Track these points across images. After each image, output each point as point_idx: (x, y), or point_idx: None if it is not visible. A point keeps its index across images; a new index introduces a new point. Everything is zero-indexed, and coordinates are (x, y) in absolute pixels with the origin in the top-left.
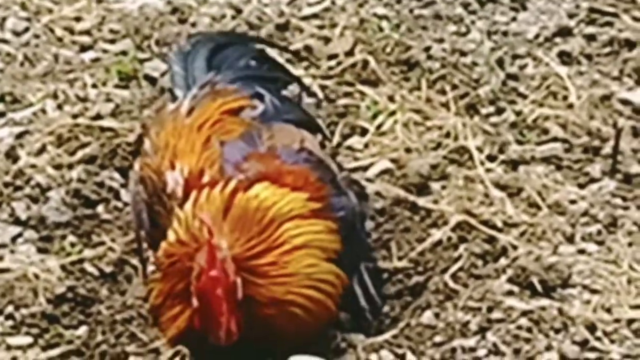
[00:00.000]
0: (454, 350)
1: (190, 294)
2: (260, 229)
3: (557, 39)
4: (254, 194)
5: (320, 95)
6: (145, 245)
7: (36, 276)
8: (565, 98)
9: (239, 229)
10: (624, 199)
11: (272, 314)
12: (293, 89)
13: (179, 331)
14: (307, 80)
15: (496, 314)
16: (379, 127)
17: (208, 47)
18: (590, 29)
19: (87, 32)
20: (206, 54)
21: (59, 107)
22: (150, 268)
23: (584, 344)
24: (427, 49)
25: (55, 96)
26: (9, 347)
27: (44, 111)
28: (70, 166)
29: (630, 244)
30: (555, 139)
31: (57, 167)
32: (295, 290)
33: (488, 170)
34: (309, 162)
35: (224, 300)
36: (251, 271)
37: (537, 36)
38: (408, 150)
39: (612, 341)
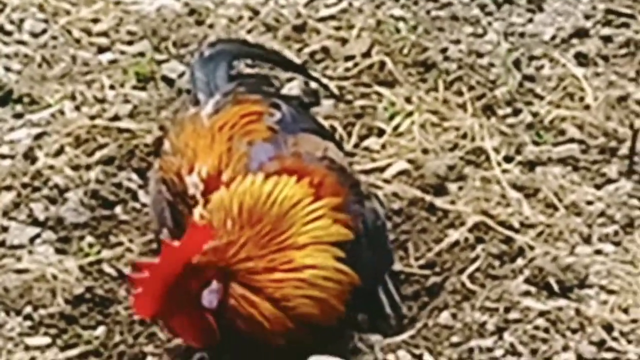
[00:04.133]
0: (471, 350)
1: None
2: (269, 228)
3: (574, 40)
4: (269, 187)
5: (336, 91)
6: None
7: (54, 277)
8: (581, 99)
9: (249, 224)
10: None
11: (267, 314)
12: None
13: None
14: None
15: (513, 315)
16: (396, 128)
17: (229, 57)
18: (607, 30)
19: (105, 34)
20: (227, 64)
21: (77, 108)
22: None
23: (601, 345)
24: (444, 50)
25: (73, 97)
26: (27, 348)
27: (61, 112)
28: (88, 167)
29: None
30: (571, 140)
31: (75, 168)
32: (296, 292)
33: (505, 171)
34: (330, 169)
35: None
36: (250, 275)
37: (553, 37)
38: (425, 151)
39: (629, 341)
